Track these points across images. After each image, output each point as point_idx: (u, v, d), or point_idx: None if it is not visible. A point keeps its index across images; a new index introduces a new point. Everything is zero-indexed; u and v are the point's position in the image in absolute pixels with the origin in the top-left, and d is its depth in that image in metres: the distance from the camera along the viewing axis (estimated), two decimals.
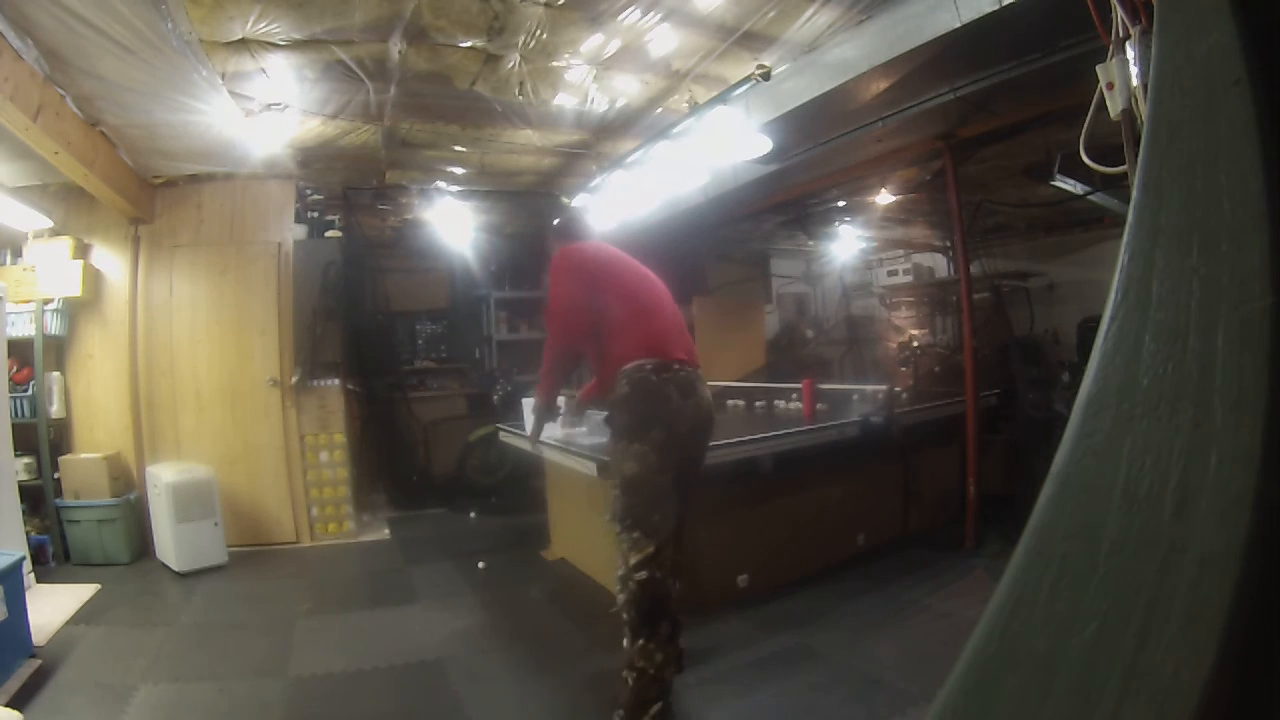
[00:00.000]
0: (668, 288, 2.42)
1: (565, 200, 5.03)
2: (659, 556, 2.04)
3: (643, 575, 2.03)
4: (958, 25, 2.35)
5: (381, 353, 5.90)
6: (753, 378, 6.15)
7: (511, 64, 3.12)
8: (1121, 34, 1.28)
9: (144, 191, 4.29)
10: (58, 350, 4.24)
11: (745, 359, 6.90)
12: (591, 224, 2.64)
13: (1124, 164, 1.31)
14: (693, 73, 3.28)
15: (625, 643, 2.04)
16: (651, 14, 2.73)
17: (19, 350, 3.99)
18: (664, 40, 2.96)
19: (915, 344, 6.55)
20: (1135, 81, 1.27)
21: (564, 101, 3.59)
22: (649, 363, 2.14)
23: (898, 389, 4.15)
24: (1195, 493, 0.47)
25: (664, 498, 2.09)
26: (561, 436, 3.13)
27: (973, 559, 3.41)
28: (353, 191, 5.14)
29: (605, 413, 2.30)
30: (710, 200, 4.56)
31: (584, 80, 3.36)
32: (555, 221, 2.67)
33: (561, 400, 2.53)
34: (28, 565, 3.08)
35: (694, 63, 3.19)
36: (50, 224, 4.14)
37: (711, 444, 2.47)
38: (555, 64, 3.18)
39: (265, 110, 3.44)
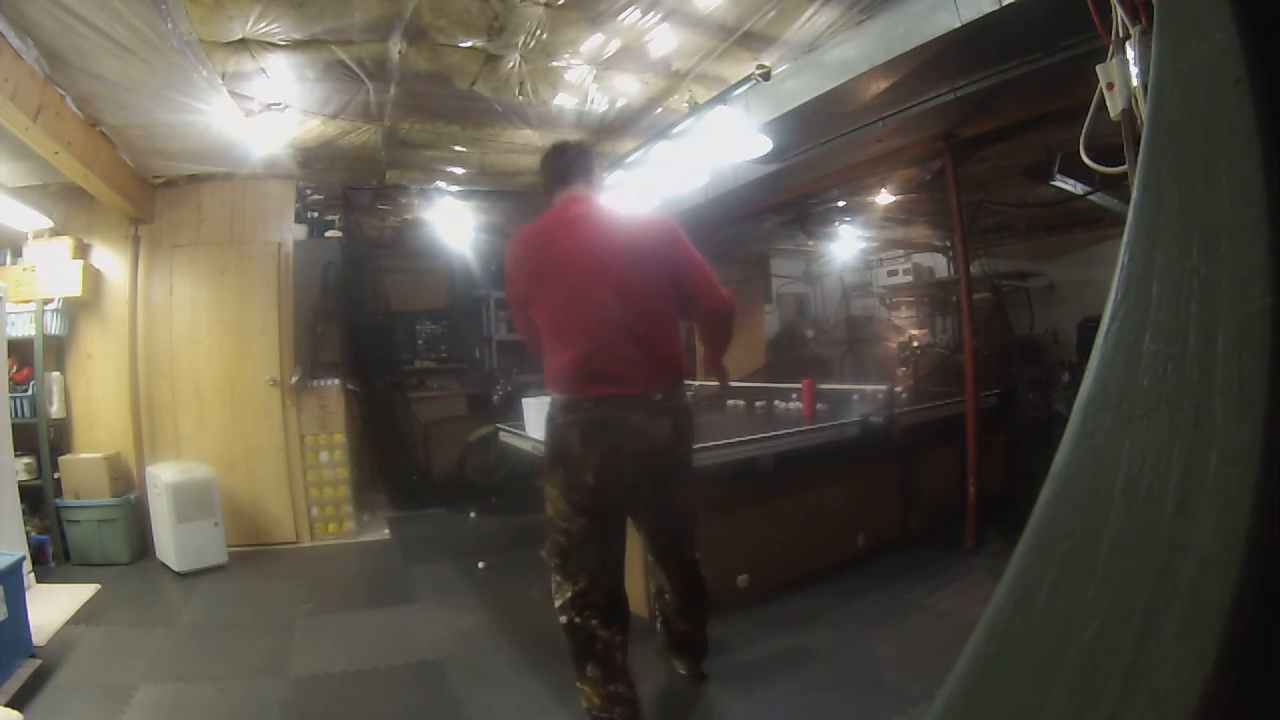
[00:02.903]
0: (644, 259, 1.97)
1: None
2: (579, 600, 1.95)
3: (562, 619, 1.99)
4: (958, 25, 2.35)
5: (381, 353, 5.90)
6: (753, 378, 6.15)
7: (511, 64, 3.12)
8: (1121, 34, 1.28)
9: (144, 191, 4.29)
10: (58, 350, 4.24)
11: (745, 359, 6.90)
12: (586, 163, 2.14)
13: (1124, 164, 1.31)
14: (693, 73, 3.28)
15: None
16: (651, 14, 2.73)
17: (19, 350, 3.99)
18: (664, 40, 2.96)
19: (915, 344, 6.55)
20: (1135, 81, 1.27)
21: (564, 101, 3.59)
22: (558, 399, 1.96)
23: (898, 389, 4.15)
24: (1195, 493, 0.47)
25: (578, 543, 1.96)
26: None
27: (973, 559, 3.42)
28: (353, 191, 5.14)
29: None
30: (710, 200, 4.57)
31: (584, 80, 3.36)
32: (545, 156, 2.21)
33: None
34: (28, 565, 3.08)
35: (694, 63, 3.19)
36: (50, 224, 4.14)
37: (713, 443, 2.38)
38: (555, 64, 3.18)
39: (265, 110, 3.43)
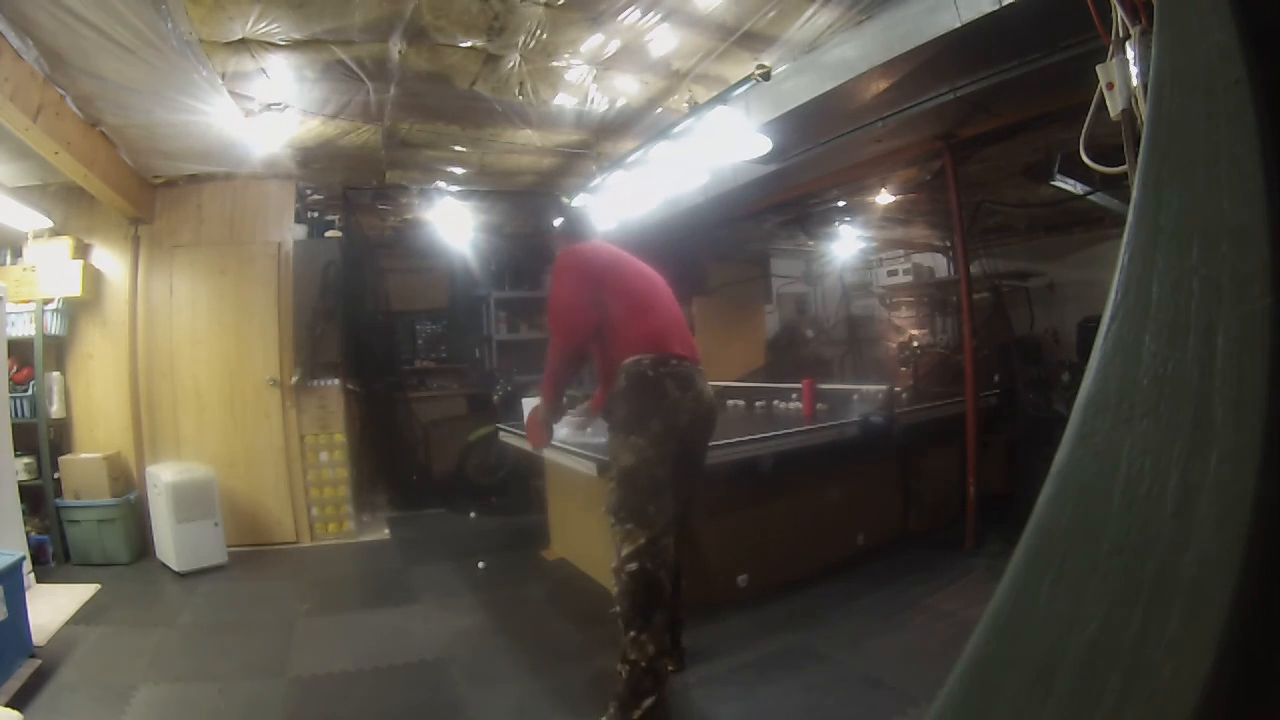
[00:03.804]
0: (669, 286, 2.44)
1: (566, 200, 5.03)
2: (651, 548, 2.06)
3: (634, 566, 2.05)
4: (958, 25, 2.35)
5: (381, 353, 5.90)
6: (753, 378, 6.15)
7: (511, 64, 3.12)
8: (1121, 34, 1.28)
9: (144, 191, 4.29)
10: (58, 350, 4.24)
11: (745, 359, 6.90)
12: (594, 223, 2.67)
13: (1124, 164, 1.31)
14: (693, 73, 3.28)
15: (621, 635, 2.07)
16: (651, 14, 2.73)
17: (19, 350, 3.99)
18: (664, 40, 2.96)
19: (915, 344, 6.55)
20: (1135, 81, 1.27)
21: (564, 101, 3.59)
22: (646, 358, 2.17)
23: (898, 389, 4.15)
24: (1195, 493, 0.47)
25: (658, 490, 2.10)
26: (565, 437, 3.12)
27: (973, 559, 3.42)
28: (353, 191, 5.14)
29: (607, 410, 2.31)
30: (710, 200, 4.56)
31: (584, 80, 3.36)
32: (558, 222, 2.69)
33: (564, 400, 2.51)
34: (28, 565, 3.08)
35: (694, 63, 3.19)
36: (50, 224, 4.14)
37: (713, 442, 2.47)
38: (555, 64, 3.18)
39: (265, 110, 3.43)
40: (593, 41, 2.97)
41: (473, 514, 5.13)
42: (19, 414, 3.91)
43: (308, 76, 3.16)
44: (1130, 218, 0.60)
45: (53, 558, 3.94)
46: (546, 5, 2.67)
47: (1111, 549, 0.49)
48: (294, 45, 2.86)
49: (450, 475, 5.71)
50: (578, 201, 4.75)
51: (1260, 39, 0.59)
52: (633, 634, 2.03)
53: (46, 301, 4.06)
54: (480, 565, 3.83)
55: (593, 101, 3.61)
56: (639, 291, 2.32)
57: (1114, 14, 1.28)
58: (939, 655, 2.40)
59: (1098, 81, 1.37)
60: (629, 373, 2.17)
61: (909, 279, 7.18)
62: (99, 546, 3.96)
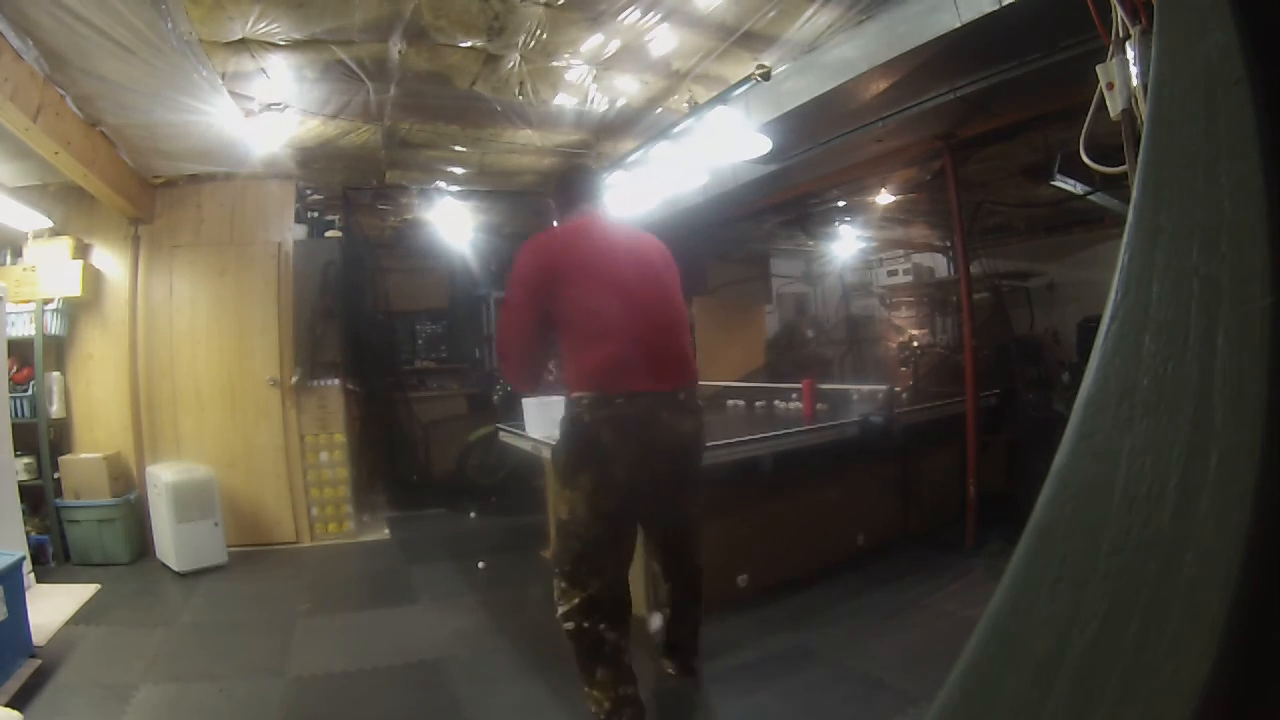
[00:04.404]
0: (667, 281, 2.12)
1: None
2: (587, 607, 1.92)
3: (569, 625, 1.95)
4: (958, 25, 2.35)
5: (381, 353, 5.90)
6: (753, 378, 6.15)
7: (511, 64, 3.12)
8: (1121, 34, 1.28)
9: (144, 191, 4.29)
10: (58, 350, 4.24)
11: (745, 359, 6.90)
12: (596, 186, 2.26)
13: (1124, 164, 1.31)
14: (693, 73, 3.28)
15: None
16: (651, 14, 2.73)
17: (19, 350, 3.98)
18: (664, 40, 2.96)
19: (915, 344, 6.55)
20: (1135, 81, 1.27)
21: (564, 101, 3.58)
22: (586, 397, 1.90)
23: (897, 389, 4.15)
24: (1195, 493, 0.47)
25: (591, 549, 1.93)
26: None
27: (972, 559, 3.41)
28: (353, 191, 5.14)
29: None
30: (710, 200, 4.56)
31: (584, 80, 3.36)
32: (556, 179, 2.33)
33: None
34: (28, 565, 3.07)
35: (694, 63, 3.19)
36: (50, 224, 4.14)
37: (713, 442, 2.40)
38: (555, 64, 3.18)
39: (265, 110, 3.43)
40: (593, 41, 2.97)
41: (473, 514, 5.13)
42: (19, 414, 3.91)
43: (308, 76, 3.16)
44: (1130, 218, 0.60)
45: (53, 558, 3.94)
46: (546, 5, 2.67)
47: (1111, 549, 0.49)
48: (294, 45, 2.86)
49: (450, 475, 5.71)
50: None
51: (1260, 39, 0.59)
52: (585, 689, 1.97)
53: (46, 301, 4.06)
54: (480, 565, 3.83)
55: (593, 101, 3.60)
56: (604, 303, 1.93)
57: (1114, 14, 1.28)
58: (939, 655, 2.39)
59: (1098, 81, 1.37)
60: (569, 414, 1.95)
61: (909, 279, 7.18)
62: (99, 546, 3.95)
